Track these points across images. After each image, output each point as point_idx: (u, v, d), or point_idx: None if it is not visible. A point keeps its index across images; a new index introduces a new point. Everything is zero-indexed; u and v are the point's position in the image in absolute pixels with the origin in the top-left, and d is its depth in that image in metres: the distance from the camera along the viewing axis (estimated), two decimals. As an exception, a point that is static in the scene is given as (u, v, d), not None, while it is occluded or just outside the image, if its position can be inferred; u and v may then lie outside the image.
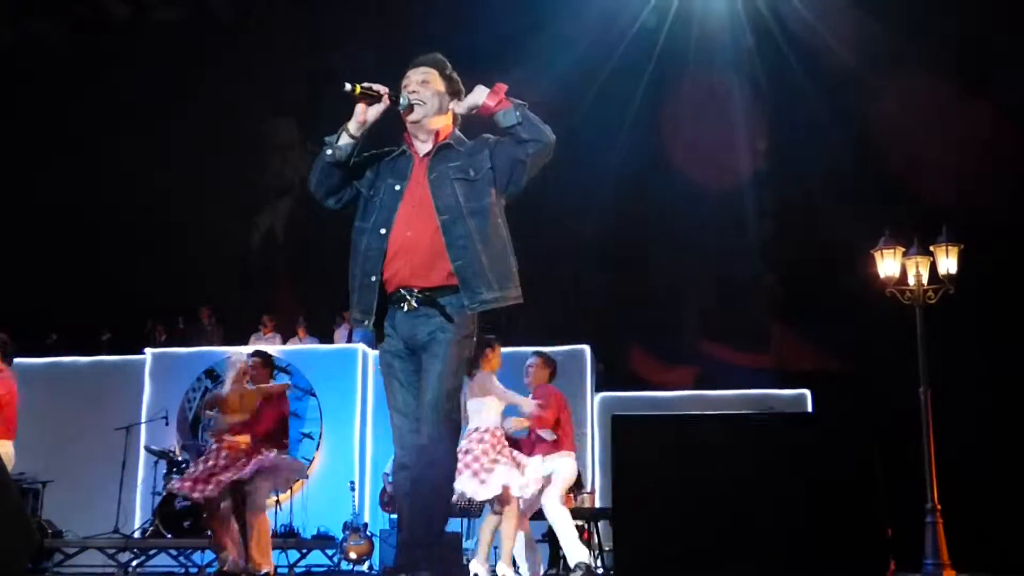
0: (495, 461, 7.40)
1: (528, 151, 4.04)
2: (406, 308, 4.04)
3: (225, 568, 7.78)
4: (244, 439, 7.83)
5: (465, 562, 10.28)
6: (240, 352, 10.25)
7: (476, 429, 7.54)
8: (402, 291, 4.05)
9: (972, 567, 8.91)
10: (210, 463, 7.74)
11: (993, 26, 11.55)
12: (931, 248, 9.74)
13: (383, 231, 4.13)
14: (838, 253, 10.69)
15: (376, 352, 4.32)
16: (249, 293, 13.00)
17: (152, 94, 13.56)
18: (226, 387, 8.20)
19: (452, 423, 3.97)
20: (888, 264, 9.83)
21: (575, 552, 7.63)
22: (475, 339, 4.15)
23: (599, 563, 10.35)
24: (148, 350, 12.67)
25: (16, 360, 11.94)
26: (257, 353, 8.49)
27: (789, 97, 12.51)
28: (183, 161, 13.54)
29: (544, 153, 4.09)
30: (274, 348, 12.24)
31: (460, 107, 4.13)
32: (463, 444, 7.46)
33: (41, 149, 14.50)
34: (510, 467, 7.44)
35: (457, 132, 4.30)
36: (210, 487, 7.57)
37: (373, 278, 4.11)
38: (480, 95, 4.05)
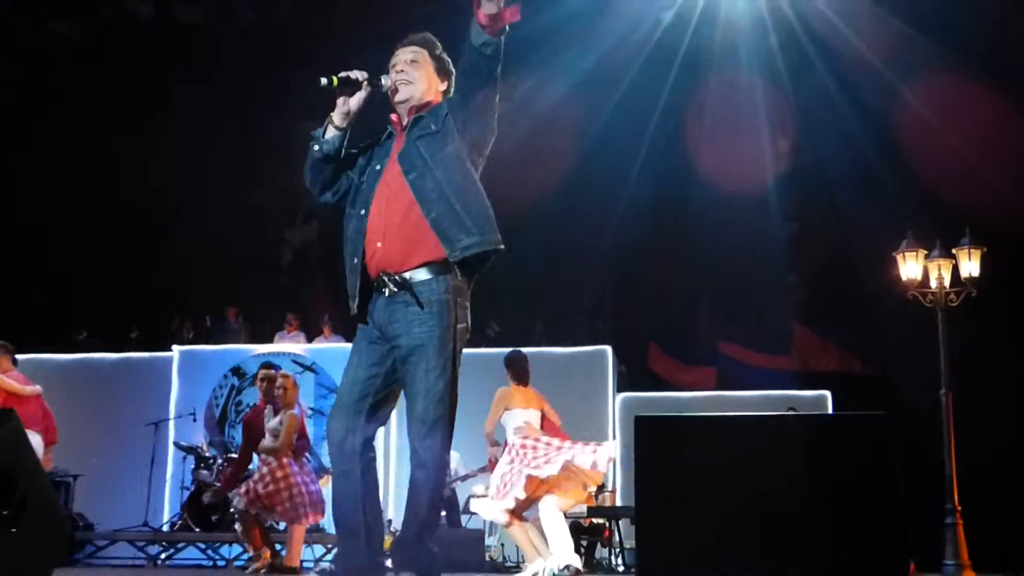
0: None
1: (487, 62, 3.86)
2: (387, 293, 3.93)
3: (257, 565, 7.98)
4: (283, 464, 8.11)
5: (487, 558, 10.38)
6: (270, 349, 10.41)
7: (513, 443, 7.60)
8: (383, 276, 3.93)
9: (992, 569, 8.89)
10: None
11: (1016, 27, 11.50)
12: (953, 251, 9.69)
13: (363, 211, 4.04)
14: (860, 255, 10.65)
15: None
16: (274, 291, 13.02)
17: (187, 99, 13.61)
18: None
19: (443, 429, 3.88)
20: (910, 267, 9.79)
21: (565, 554, 7.70)
22: (467, 327, 4.01)
23: (620, 560, 10.36)
24: (176, 347, 12.74)
25: (47, 356, 12.12)
26: (283, 375, 8.74)
27: (813, 100, 12.48)
28: (214, 165, 13.57)
29: (491, 82, 3.94)
30: (299, 346, 12.31)
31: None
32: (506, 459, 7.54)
33: (76, 152, 14.59)
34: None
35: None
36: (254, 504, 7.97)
37: (356, 260, 4.03)
38: (492, 4, 3.68)
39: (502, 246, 3.99)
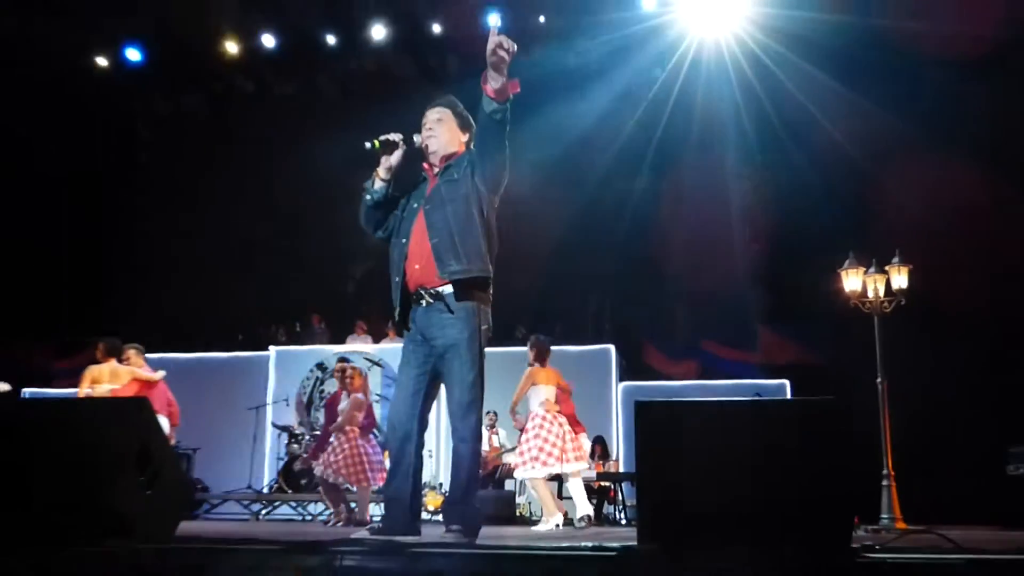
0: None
1: (497, 125, 3.87)
2: (424, 304, 3.96)
3: (336, 519, 8.08)
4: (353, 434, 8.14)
5: (518, 513, 10.33)
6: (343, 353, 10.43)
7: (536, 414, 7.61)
8: (420, 290, 3.97)
9: (916, 521, 8.84)
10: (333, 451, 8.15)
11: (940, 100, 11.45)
12: (886, 268, 9.67)
13: (404, 241, 4.06)
14: (813, 271, 10.61)
15: None
16: (347, 303, 13.07)
17: (280, 152, 13.70)
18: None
19: (476, 410, 3.90)
20: (852, 280, 9.76)
21: (582, 508, 7.75)
22: (488, 329, 4.01)
23: (623, 515, 10.32)
24: (272, 348, 12.85)
25: (172, 355, 12.20)
26: (352, 367, 8.83)
27: (776, 155, 12.41)
28: (302, 205, 13.65)
29: (501, 138, 3.94)
30: (368, 346, 12.34)
31: (491, 46, 3.67)
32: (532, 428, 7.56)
33: (200, 193, 14.75)
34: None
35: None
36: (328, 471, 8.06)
37: (397, 279, 4.06)
38: (498, 79, 3.76)
39: (488, 275, 3.98)
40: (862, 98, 11.38)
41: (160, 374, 9.03)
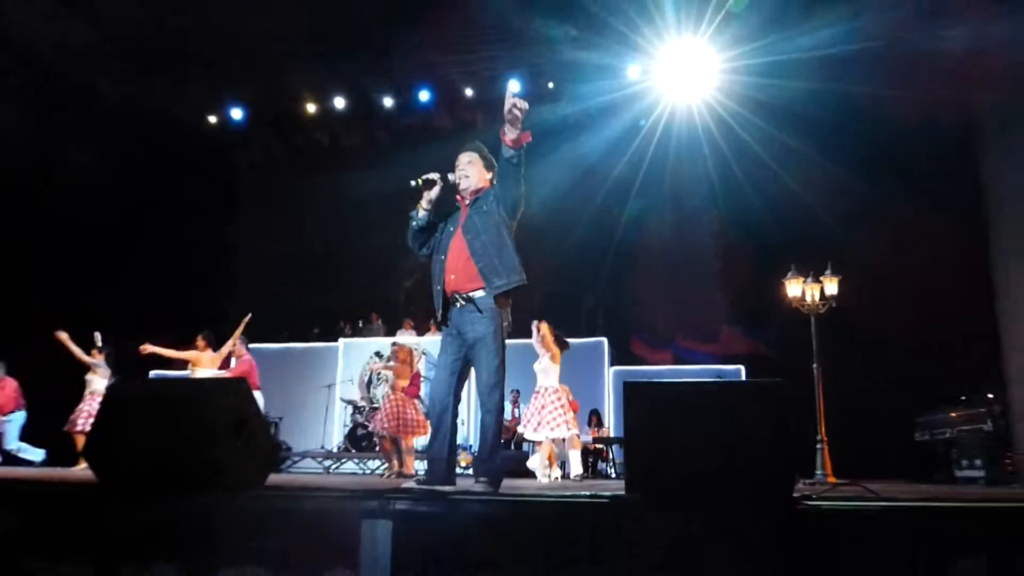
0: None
1: (514, 168, 3.88)
2: (458, 305, 3.97)
3: (391, 472, 8.05)
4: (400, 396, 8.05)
5: (530, 469, 10.27)
6: (396, 340, 10.44)
7: (545, 388, 7.52)
8: (455, 295, 3.98)
9: (846, 475, 8.79)
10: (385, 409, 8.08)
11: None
12: (821, 278, 9.63)
13: (443, 258, 4.07)
14: (763, 281, 10.57)
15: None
16: (399, 305, 13.08)
17: (348, 184, 13.71)
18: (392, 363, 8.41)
19: (500, 389, 3.89)
20: (793, 288, 9.72)
21: (576, 467, 7.72)
22: (509, 325, 4.00)
23: (613, 471, 10.26)
24: (341, 340, 12.86)
25: (264, 345, 12.26)
26: (399, 346, 8.76)
27: (736, 192, 12.32)
28: (365, 225, 13.65)
29: (518, 178, 3.94)
30: (414, 339, 12.36)
31: (507, 106, 3.71)
32: (537, 400, 7.46)
33: (284, 219, 14.82)
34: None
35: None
36: (377, 425, 8.05)
37: (438, 287, 4.06)
38: (514, 131, 3.77)
39: (524, 282, 3.98)
40: (804, 147, 11.34)
41: (248, 359, 9.08)
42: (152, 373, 11.96)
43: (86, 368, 8.93)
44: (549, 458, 7.63)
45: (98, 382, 8.82)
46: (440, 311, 4.08)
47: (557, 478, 7.50)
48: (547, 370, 7.51)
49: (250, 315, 8.96)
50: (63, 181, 13.18)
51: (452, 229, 4.13)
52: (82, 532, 2.56)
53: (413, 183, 4.11)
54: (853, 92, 10.76)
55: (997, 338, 11.01)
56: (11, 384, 9.09)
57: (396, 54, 12.58)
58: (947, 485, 8.12)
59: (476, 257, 3.94)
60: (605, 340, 12.09)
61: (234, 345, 8.85)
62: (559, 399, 7.39)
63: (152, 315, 13.21)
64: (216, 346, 8.80)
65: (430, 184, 4.13)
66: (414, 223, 4.18)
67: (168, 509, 2.58)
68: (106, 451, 3.07)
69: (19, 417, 9.05)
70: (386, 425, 7.81)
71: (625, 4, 11.03)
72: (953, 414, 9.11)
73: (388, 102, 13.48)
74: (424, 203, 4.17)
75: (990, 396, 8.79)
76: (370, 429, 8.40)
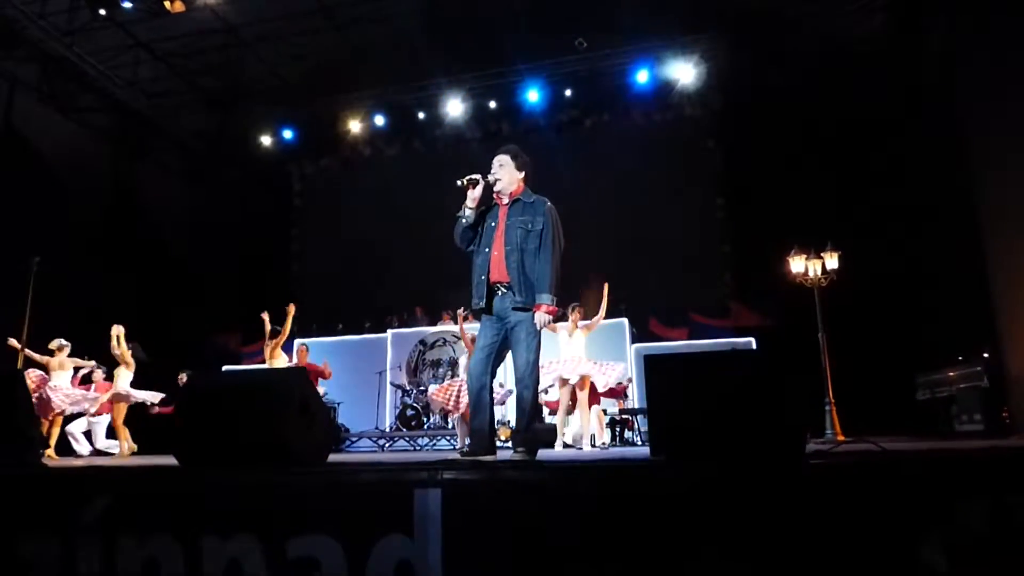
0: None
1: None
2: (500, 293, 3.99)
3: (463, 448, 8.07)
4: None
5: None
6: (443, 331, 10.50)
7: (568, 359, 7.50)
8: (497, 284, 3.99)
9: (853, 433, 8.66)
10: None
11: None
12: (822, 254, 9.48)
13: (487, 250, 4.06)
14: (769, 257, 10.42)
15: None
16: (439, 299, 13.09)
17: (391, 190, 13.73)
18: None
19: (535, 367, 3.89)
20: (797, 264, 9.59)
21: (598, 433, 7.62)
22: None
23: (639, 439, 10.18)
24: (389, 331, 12.91)
25: (322, 339, 12.40)
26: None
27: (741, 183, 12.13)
28: (407, 227, 13.68)
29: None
30: (453, 327, 12.37)
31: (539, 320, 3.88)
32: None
33: (334, 224, 14.84)
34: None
35: (526, 189, 4.15)
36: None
37: (483, 277, 4.04)
38: (543, 320, 3.87)
39: (546, 303, 3.89)
40: (798, 130, 11.16)
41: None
42: (224, 368, 12.18)
43: (115, 363, 8.85)
44: (599, 422, 7.65)
45: (125, 376, 8.76)
46: (484, 299, 4.07)
47: (604, 444, 7.50)
48: (578, 344, 7.63)
49: (293, 306, 8.85)
50: (146, 200, 13.54)
51: (493, 225, 4.13)
52: (168, 510, 2.61)
53: (459, 183, 4.11)
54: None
55: (990, 301, 10.72)
56: (104, 387, 9.23)
57: (428, 73, 12.69)
58: (949, 439, 7.94)
59: (508, 270, 3.97)
60: (626, 320, 11.98)
61: (125, 352, 8.60)
62: (598, 366, 7.49)
63: (224, 314, 13.47)
64: (269, 337, 8.70)
65: (474, 183, 4.13)
66: (463, 220, 4.15)
67: (243, 485, 2.61)
68: (188, 436, 3.13)
69: (106, 419, 9.21)
70: (438, 401, 7.91)
71: (629, 9, 11.02)
72: (952, 373, 8.90)
73: (422, 115, 13.67)
74: (470, 202, 4.16)
75: (986, 355, 8.57)
76: (448, 410, 8.22)
